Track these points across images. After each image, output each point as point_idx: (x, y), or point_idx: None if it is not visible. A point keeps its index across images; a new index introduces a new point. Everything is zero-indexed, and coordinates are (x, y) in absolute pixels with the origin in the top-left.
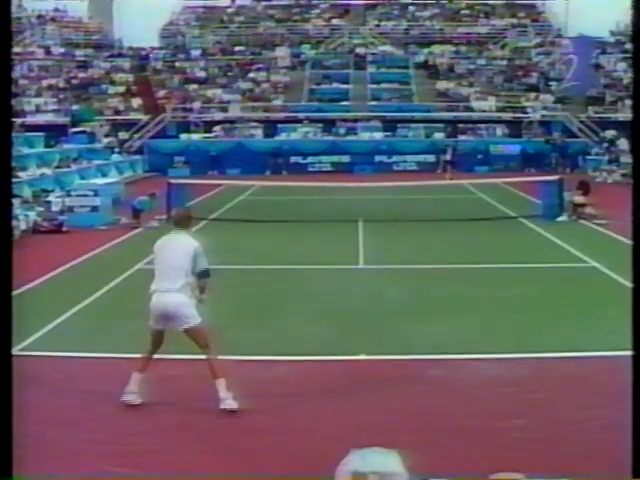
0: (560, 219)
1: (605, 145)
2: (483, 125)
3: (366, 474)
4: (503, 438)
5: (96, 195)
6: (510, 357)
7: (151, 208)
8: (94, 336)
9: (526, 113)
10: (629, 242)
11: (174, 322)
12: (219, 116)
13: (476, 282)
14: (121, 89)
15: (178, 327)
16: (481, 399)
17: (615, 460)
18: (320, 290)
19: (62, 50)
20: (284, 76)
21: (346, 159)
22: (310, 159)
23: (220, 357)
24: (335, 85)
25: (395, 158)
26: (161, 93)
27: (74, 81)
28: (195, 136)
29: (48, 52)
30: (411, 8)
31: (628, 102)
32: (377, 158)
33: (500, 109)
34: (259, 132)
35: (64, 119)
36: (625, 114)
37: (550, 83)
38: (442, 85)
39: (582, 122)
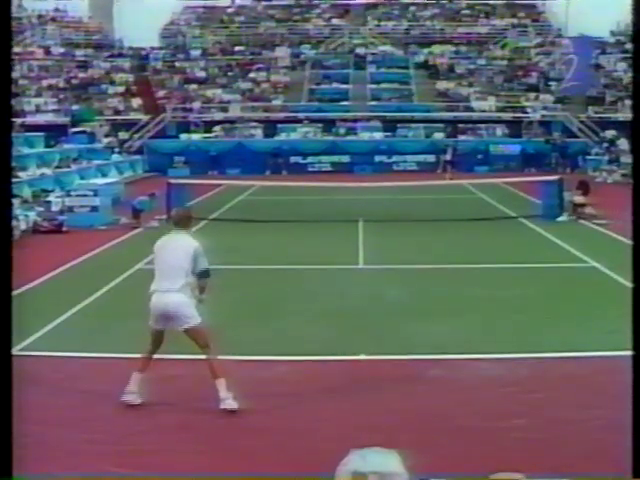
0: (560, 219)
1: (605, 145)
2: (483, 125)
3: (366, 474)
4: (503, 438)
5: (96, 195)
6: (510, 357)
7: (151, 208)
8: (94, 336)
9: (526, 113)
10: (629, 242)
11: (174, 322)
12: (219, 116)
13: (476, 282)
14: (121, 89)
15: (178, 327)
16: (481, 399)
17: (615, 460)
18: (320, 290)
19: (62, 50)
20: (284, 76)
21: (346, 159)
22: (310, 159)
23: (220, 357)
24: (335, 85)
25: (395, 158)
26: (161, 93)
27: (74, 81)
28: (195, 136)
29: (48, 52)
30: (411, 8)
31: (628, 102)
32: (377, 158)
33: (500, 109)
34: (259, 132)
35: (64, 119)
36: (625, 114)
37: (550, 83)
38: (442, 85)
39: (582, 122)
